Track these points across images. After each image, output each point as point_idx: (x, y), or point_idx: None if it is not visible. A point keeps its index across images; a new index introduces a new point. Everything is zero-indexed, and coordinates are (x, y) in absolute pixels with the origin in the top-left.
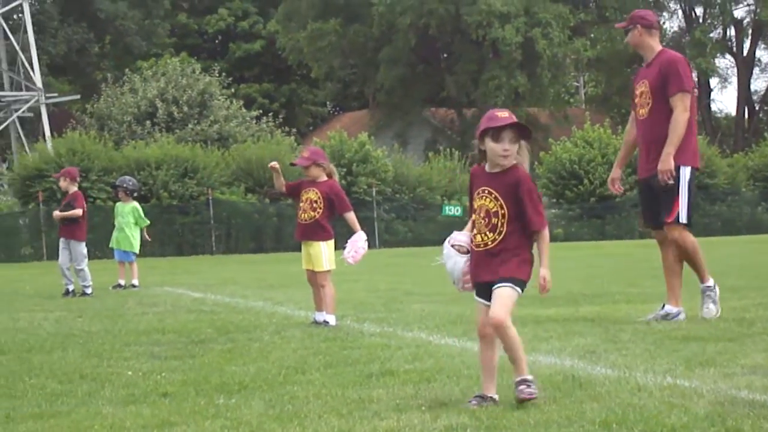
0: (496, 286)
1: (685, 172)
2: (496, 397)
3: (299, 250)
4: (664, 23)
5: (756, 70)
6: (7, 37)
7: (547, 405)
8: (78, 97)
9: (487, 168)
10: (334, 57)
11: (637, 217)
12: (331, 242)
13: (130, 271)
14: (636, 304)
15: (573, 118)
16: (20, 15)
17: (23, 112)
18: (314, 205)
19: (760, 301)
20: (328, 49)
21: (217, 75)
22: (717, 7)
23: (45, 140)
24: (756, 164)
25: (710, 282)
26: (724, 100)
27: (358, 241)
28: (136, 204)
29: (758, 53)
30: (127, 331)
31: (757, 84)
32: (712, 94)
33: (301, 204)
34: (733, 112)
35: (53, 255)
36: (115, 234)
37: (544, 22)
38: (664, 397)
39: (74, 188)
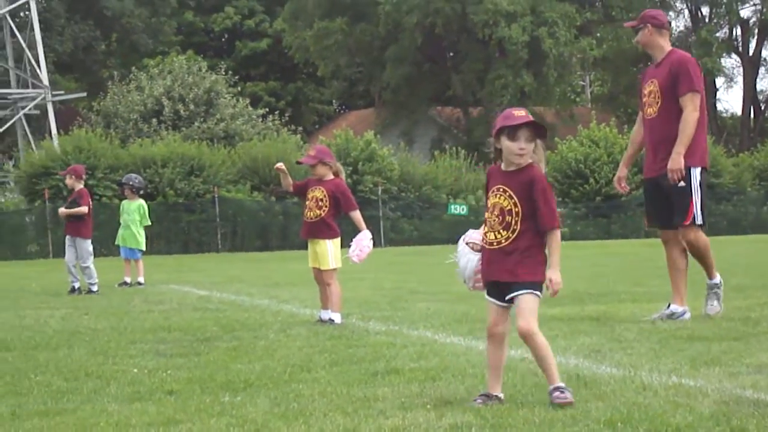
0: (518, 293)
1: (696, 174)
2: (501, 395)
3: (305, 248)
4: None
5: (762, 70)
6: (14, 35)
7: (552, 404)
8: (84, 94)
9: (502, 167)
10: (341, 55)
11: (643, 216)
12: (338, 240)
13: (135, 269)
14: (641, 303)
15: (579, 117)
16: (27, 13)
17: (30, 109)
18: (320, 203)
19: (765, 301)
20: (335, 47)
21: (224, 73)
22: (723, 6)
23: (51, 138)
24: (761, 164)
25: (717, 279)
26: (730, 100)
27: (363, 239)
28: (142, 201)
29: (764, 53)
30: (132, 328)
31: (763, 84)
32: (718, 93)
33: (307, 202)
34: (739, 112)
35: (59, 252)
36: (120, 231)
37: (550, 21)
38: (669, 397)
39: (80, 186)
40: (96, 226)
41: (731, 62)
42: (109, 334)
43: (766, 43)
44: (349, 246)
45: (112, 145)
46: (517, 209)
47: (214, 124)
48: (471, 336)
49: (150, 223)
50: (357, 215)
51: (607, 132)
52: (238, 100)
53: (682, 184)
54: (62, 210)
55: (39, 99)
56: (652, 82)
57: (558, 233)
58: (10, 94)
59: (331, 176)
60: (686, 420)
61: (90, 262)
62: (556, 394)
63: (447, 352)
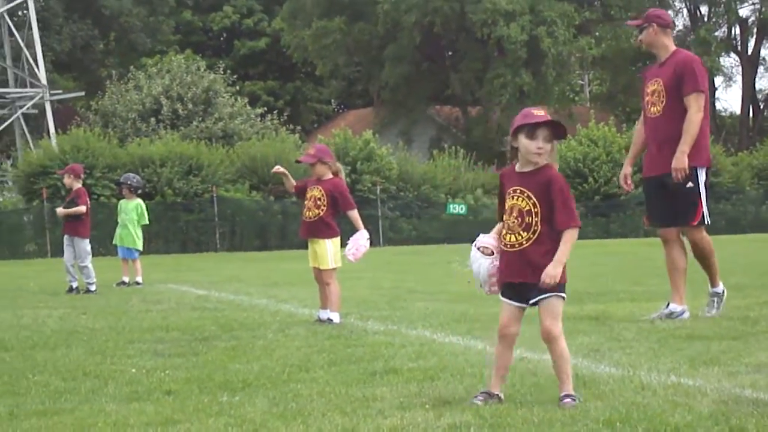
0: (542, 296)
1: (701, 174)
2: (501, 395)
3: (304, 247)
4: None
5: (761, 69)
6: (11, 34)
7: (551, 403)
8: (82, 94)
9: (517, 167)
10: (339, 55)
11: (642, 215)
12: (337, 240)
13: (133, 269)
14: (640, 302)
15: (578, 117)
16: (25, 12)
17: (28, 108)
18: (318, 202)
19: (764, 300)
20: (333, 46)
21: (222, 72)
22: (722, 5)
23: (49, 137)
24: (760, 163)
25: (720, 288)
26: (729, 99)
27: (360, 239)
28: (140, 201)
29: (763, 52)
30: (130, 328)
31: (762, 83)
32: (717, 92)
33: (306, 202)
34: (738, 111)
35: (57, 252)
36: (118, 231)
37: (549, 21)
38: (668, 396)
39: (78, 185)
40: (94, 226)
41: (730, 61)
42: (107, 334)
43: (764, 42)
44: (347, 245)
45: (110, 145)
46: (536, 210)
47: (213, 124)
48: (469, 335)
49: (148, 223)
50: (355, 214)
51: (606, 131)
52: (236, 100)
53: (690, 184)
54: (60, 210)
55: (37, 98)
56: (656, 81)
57: (575, 232)
58: (8, 93)
59: (330, 176)
60: (685, 419)
61: (88, 261)
62: (567, 400)
63: (445, 352)
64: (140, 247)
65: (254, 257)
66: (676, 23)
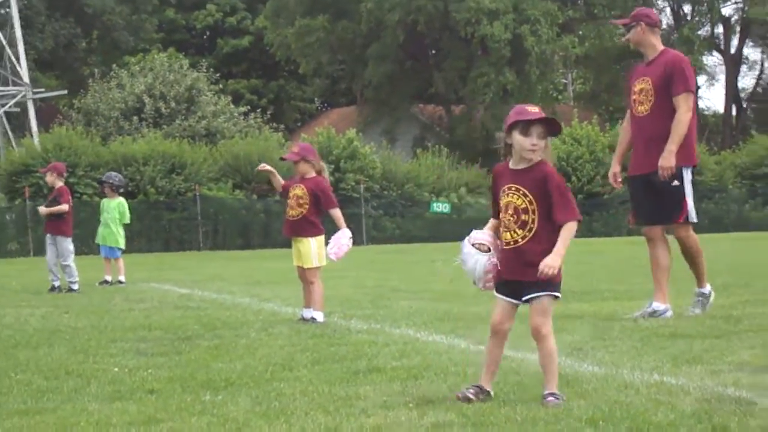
0: (535, 294)
1: (687, 173)
2: (491, 391)
3: (287, 246)
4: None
5: (743, 68)
6: None
7: (534, 402)
8: (65, 92)
9: (511, 164)
10: (323, 53)
11: (626, 214)
12: (321, 238)
13: (116, 267)
14: (623, 301)
15: (561, 115)
16: (7, 10)
17: (10, 107)
18: (300, 201)
19: (747, 299)
20: (317, 45)
21: (205, 71)
22: (705, 4)
23: (32, 135)
24: (743, 162)
25: (707, 289)
26: (712, 98)
27: (342, 238)
28: (122, 200)
29: (746, 51)
30: (113, 327)
31: (745, 82)
32: (700, 91)
33: (289, 201)
34: (721, 110)
35: (39, 251)
36: (100, 230)
37: (532, 19)
38: (650, 395)
39: (60, 183)
40: (76, 225)
41: (713, 60)
42: (90, 333)
43: (747, 41)
44: (329, 244)
45: (93, 143)
46: (532, 207)
47: (196, 122)
48: (453, 334)
49: (129, 222)
50: (337, 213)
51: (589, 130)
52: (219, 98)
53: (675, 183)
54: (43, 208)
55: (19, 96)
56: (644, 80)
57: (574, 225)
58: None
59: (313, 174)
60: (668, 418)
61: (71, 260)
62: (551, 399)
63: (429, 351)
64: (123, 245)
65: (237, 256)
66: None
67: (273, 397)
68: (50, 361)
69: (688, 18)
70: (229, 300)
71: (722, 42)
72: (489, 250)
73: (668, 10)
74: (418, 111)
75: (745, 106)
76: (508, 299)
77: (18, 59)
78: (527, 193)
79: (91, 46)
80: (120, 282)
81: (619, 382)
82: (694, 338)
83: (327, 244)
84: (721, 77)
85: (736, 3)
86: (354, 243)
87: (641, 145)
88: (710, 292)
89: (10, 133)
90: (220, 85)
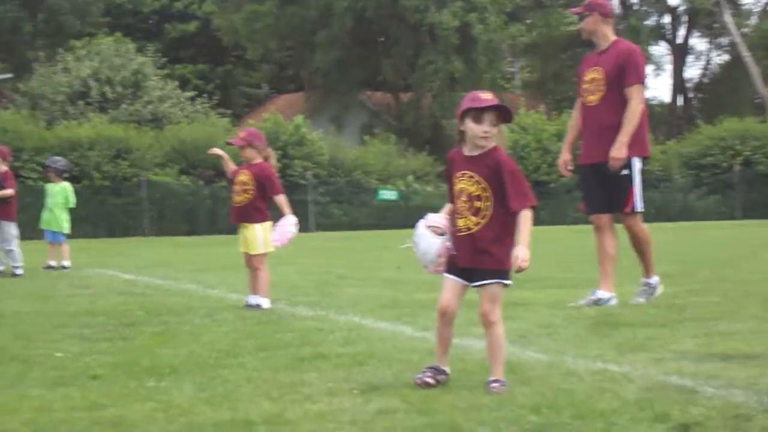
0: (485, 282)
1: (637, 162)
2: (448, 369)
3: (233, 232)
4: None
5: (690, 58)
6: None
7: (478, 389)
8: (10, 75)
9: (465, 151)
10: (270, 39)
11: (572, 203)
12: (267, 224)
13: (60, 252)
14: (569, 289)
15: (508, 104)
16: None
17: None
18: (245, 187)
19: (690, 288)
20: (265, 30)
21: (152, 55)
22: None
23: None
24: (689, 151)
25: (653, 280)
26: (658, 87)
27: (286, 224)
28: (66, 184)
29: (692, 41)
30: (57, 312)
31: (691, 72)
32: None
33: (235, 187)
34: (667, 99)
35: None
36: (44, 215)
37: (480, 7)
38: (594, 382)
39: (5, 168)
40: (21, 209)
41: (660, 50)
42: (34, 318)
43: (694, 31)
44: (274, 230)
45: (38, 127)
46: (486, 194)
47: (142, 107)
48: (398, 321)
49: (74, 206)
50: (281, 199)
51: (536, 118)
52: (166, 83)
53: (625, 171)
54: None
55: None
56: (595, 69)
57: (530, 213)
58: None
59: (260, 160)
60: (611, 406)
61: (15, 245)
62: (495, 385)
63: (374, 338)
64: (67, 230)
65: (183, 242)
66: None
67: (217, 383)
68: None
69: (636, 8)
70: (175, 286)
71: (669, 32)
72: (444, 233)
73: None
74: (366, 98)
75: (691, 96)
76: (457, 279)
77: None
78: (481, 180)
79: (36, 29)
80: (64, 267)
81: (563, 370)
82: (637, 327)
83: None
84: (668, 67)
85: None
86: (301, 230)
87: (592, 135)
88: (657, 284)
89: None
90: (167, 70)
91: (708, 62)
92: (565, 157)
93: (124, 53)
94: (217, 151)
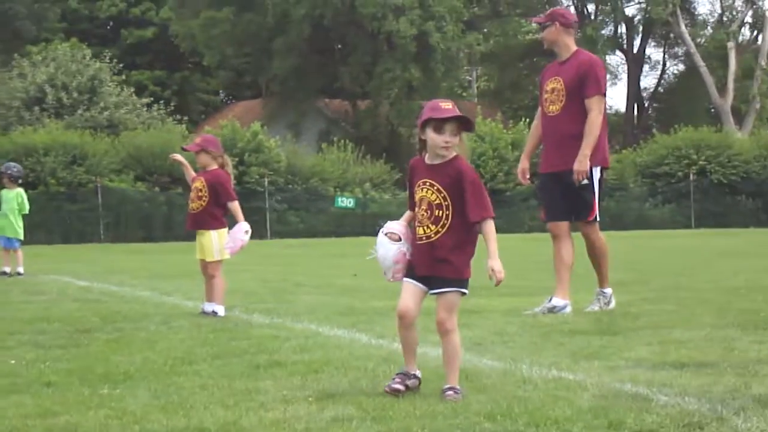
0: (442, 290)
1: (597, 172)
2: (418, 373)
3: (189, 239)
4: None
5: (646, 68)
6: None
7: (433, 397)
8: None
9: (427, 160)
10: (228, 45)
11: (528, 211)
12: (223, 231)
13: (15, 259)
14: (524, 297)
15: (465, 112)
16: None
17: None
18: (200, 194)
19: (645, 296)
20: (222, 37)
21: (108, 61)
22: (609, 4)
23: None
24: (644, 160)
25: (608, 291)
26: (614, 97)
27: (238, 232)
28: (20, 190)
29: (648, 50)
30: (11, 319)
31: (647, 81)
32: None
33: (191, 194)
34: (623, 109)
35: None
36: None
37: (438, 16)
38: (549, 390)
39: None
40: None
41: (616, 59)
42: None
43: (650, 41)
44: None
45: None
46: (446, 203)
47: (98, 113)
48: (354, 329)
49: (28, 212)
50: (235, 206)
51: (493, 127)
52: (122, 89)
53: (585, 181)
54: None
55: None
56: (556, 79)
57: (492, 223)
58: None
59: (215, 167)
60: (565, 413)
61: None
62: (450, 393)
63: (330, 345)
64: (22, 236)
65: (139, 249)
66: None
67: (172, 390)
68: None
69: (592, 17)
70: (130, 293)
71: (625, 41)
72: (400, 239)
73: (572, 8)
74: (324, 105)
75: (646, 105)
76: (417, 284)
77: None
78: (441, 189)
79: None
80: (19, 273)
81: (518, 377)
82: (592, 335)
83: None
84: (624, 76)
85: (639, 3)
86: (258, 237)
87: (552, 144)
88: (611, 295)
89: None
90: (124, 76)
91: (663, 71)
92: (523, 165)
93: (81, 59)
94: (177, 157)
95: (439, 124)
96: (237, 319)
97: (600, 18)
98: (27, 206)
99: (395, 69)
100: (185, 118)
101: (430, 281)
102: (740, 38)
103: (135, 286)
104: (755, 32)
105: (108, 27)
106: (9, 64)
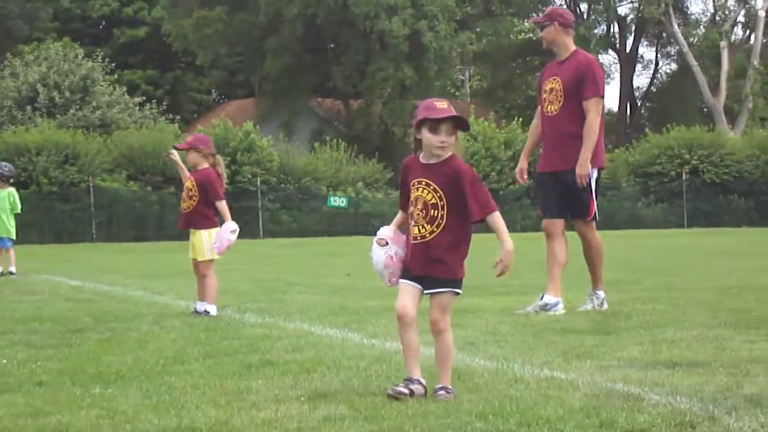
0: (437, 290)
1: (594, 173)
2: (423, 381)
3: (181, 238)
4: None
5: (638, 67)
6: None
7: (425, 396)
8: None
9: (422, 159)
10: (220, 45)
11: (520, 210)
12: (214, 231)
13: (7, 258)
14: (516, 296)
15: (458, 112)
16: None
17: None
18: (190, 193)
19: (637, 295)
20: (214, 36)
21: (101, 60)
22: (601, 3)
23: None
24: (637, 160)
25: (600, 294)
26: (607, 96)
27: (224, 232)
28: (12, 189)
29: (641, 50)
30: (2, 318)
31: (639, 80)
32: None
33: (183, 193)
34: (615, 108)
35: None
36: None
37: (430, 15)
38: (540, 389)
39: None
40: None
41: (608, 59)
42: None
43: (642, 40)
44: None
45: None
46: (442, 203)
47: (90, 112)
48: (347, 328)
49: (20, 212)
50: (222, 206)
51: (486, 126)
52: (114, 88)
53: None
54: None
55: None
56: (554, 79)
57: (497, 215)
58: None
59: (206, 165)
60: (557, 413)
61: None
62: (442, 392)
63: (323, 345)
64: (14, 236)
65: (131, 248)
66: None
67: (163, 390)
68: None
69: (585, 17)
70: (122, 293)
71: (618, 41)
72: (387, 243)
73: (565, 8)
74: (316, 105)
75: (639, 104)
76: (414, 284)
77: None
78: (437, 189)
79: None
80: (11, 273)
81: (510, 377)
82: (584, 334)
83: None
84: (616, 76)
85: (631, 2)
86: (250, 236)
87: (551, 144)
88: (603, 299)
89: None
90: (116, 75)
91: (656, 71)
92: (522, 164)
93: (73, 58)
94: (174, 156)
95: (434, 124)
96: (229, 319)
97: (593, 17)
98: (19, 206)
99: (388, 68)
100: (177, 117)
101: (425, 281)
102: (733, 38)
103: (127, 286)
104: (748, 32)
105: (100, 26)
106: (1, 64)
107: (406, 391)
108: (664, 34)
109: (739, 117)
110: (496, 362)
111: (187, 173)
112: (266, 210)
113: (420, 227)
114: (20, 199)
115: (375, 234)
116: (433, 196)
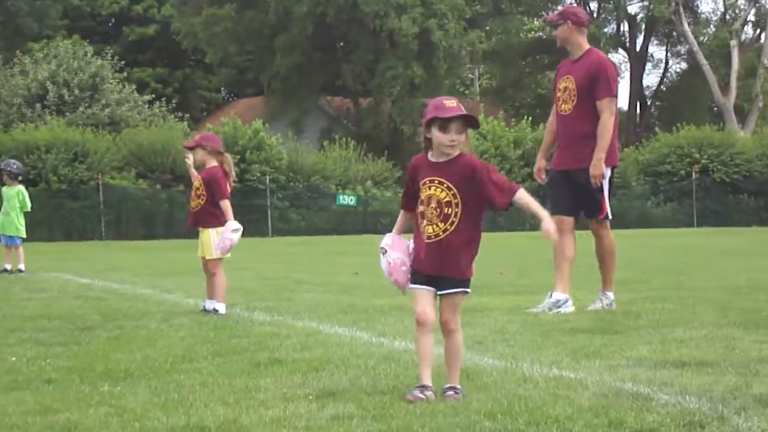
0: (449, 291)
1: (607, 172)
2: (433, 388)
3: (190, 236)
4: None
5: (648, 66)
6: None
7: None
8: None
9: (431, 157)
10: (230, 43)
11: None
12: (222, 229)
13: (16, 256)
14: (525, 295)
15: (467, 110)
16: None
17: None
18: (198, 192)
19: (646, 295)
20: (224, 34)
21: (110, 58)
22: (611, 2)
23: None
24: (646, 159)
25: (610, 295)
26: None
27: (226, 231)
28: (21, 188)
29: (651, 49)
30: (12, 316)
31: (649, 79)
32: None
33: (191, 192)
34: (625, 107)
35: None
36: (0, 218)
37: (440, 13)
38: (549, 389)
39: None
40: None
41: (618, 58)
42: None
43: (652, 39)
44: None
45: None
46: (456, 200)
47: (99, 110)
48: (355, 327)
49: (30, 210)
50: (225, 204)
51: (495, 125)
52: (124, 86)
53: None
54: None
55: None
56: (568, 78)
57: (522, 192)
58: None
59: (214, 164)
60: (566, 412)
61: None
62: (450, 393)
63: (331, 343)
64: (23, 234)
65: (140, 246)
66: None
67: (172, 388)
68: None
69: (595, 15)
70: (131, 290)
71: (628, 39)
72: (385, 251)
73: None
74: (326, 103)
75: (649, 103)
76: (426, 288)
77: None
78: (451, 186)
79: None
80: (20, 271)
81: (519, 376)
82: (593, 333)
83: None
84: (626, 74)
85: (641, 1)
86: (259, 234)
87: (564, 142)
88: (612, 301)
89: None
90: (125, 73)
91: (666, 70)
92: (540, 164)
93: (82, 56)
94: (189, 160)
95: (444, 122)
96: (238, 317)
97: (603, 16)
98: (29, 204)
99: (397, 67)
100: (187, 115)
101: (438, 281)
102: (743, 36)
103: (136, 284)
104: (758, 30)
105: (110, 24)
106: (11, 61)
107: (423, 396)
108: (675, 33)
109: (749, 116)
110: (505, 361)
111: (195, 173)
112: (275, 208)
113: (434, 226)
114: (30, 197)
115: (383, 232)
116: (447, 194)
